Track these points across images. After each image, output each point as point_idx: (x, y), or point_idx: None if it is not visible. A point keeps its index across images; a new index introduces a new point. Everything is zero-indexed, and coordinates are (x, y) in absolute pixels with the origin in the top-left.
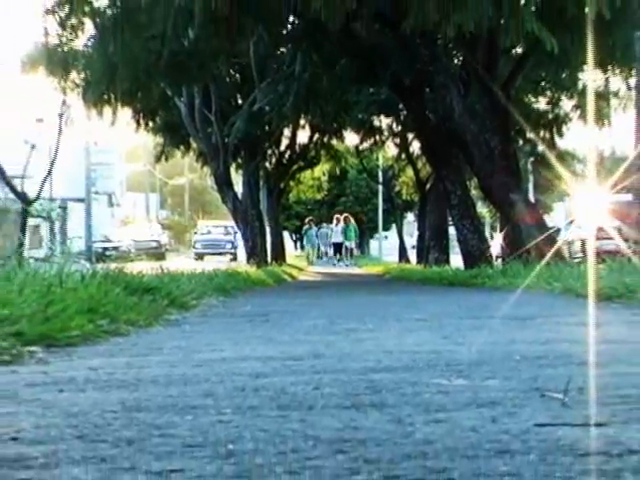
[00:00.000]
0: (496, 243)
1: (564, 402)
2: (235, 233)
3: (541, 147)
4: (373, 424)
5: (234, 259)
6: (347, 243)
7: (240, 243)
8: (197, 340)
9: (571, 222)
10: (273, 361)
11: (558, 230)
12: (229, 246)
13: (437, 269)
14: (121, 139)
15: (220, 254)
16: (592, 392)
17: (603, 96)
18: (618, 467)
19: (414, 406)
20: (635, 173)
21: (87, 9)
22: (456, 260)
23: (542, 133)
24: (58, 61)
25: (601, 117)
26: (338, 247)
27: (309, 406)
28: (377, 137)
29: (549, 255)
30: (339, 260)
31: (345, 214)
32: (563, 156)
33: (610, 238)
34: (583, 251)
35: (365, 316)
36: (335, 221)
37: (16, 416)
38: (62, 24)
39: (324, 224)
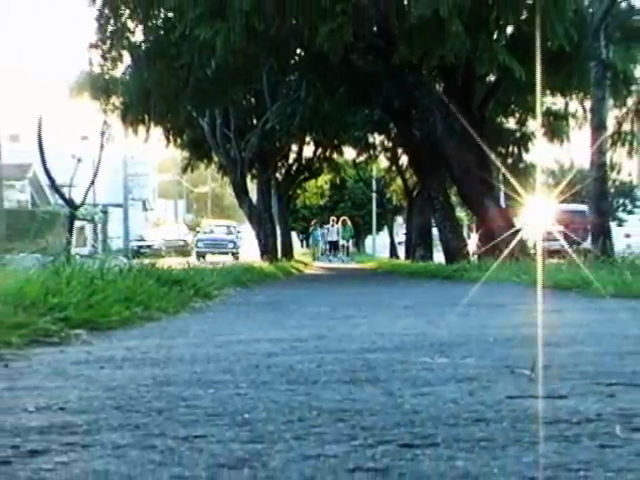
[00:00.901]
0: (472, 242)
1: (531, 377)
2: (238, 232)
3: (510, 160)
4: (368, 397)
5: (236, 259)
6: (343, 241)
7: (242, 242)
8: (218, 325)
9: (525, 225)
10: (282, 342)
11: (518, 231)
12: (231, 245)
13: (422, 264)
14: (153, 153)
15: (222, 253)
16: (555, 369)
17: (563, 116)
18: (577, 433)
19: (403, 381)
20: (583, 183)
21: (125, 43)
22: (438, 256)
23: (511, 148)
24: (100, 87)
25: (561, 135)
26: (333, 245)
27: (313, 381)
28: (371, 152)
29: (516, 252)
30: (334, 256)
31: (343, 217)
32: (528, 168)
33: (556, 240)
34: (534, 249)
35: (361, 304)
36: (331, 222)
37: (63, 389)
38: (104, 56)
39: (326, 226)
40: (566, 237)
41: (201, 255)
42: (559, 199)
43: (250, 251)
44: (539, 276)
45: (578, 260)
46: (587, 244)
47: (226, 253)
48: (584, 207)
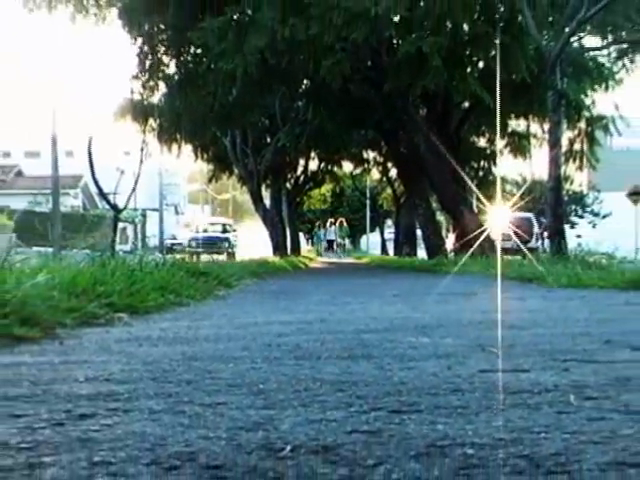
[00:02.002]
0: (450, 241)
1: (499, 355)
2: (234, 231)
3: (481, 173)
4: (363, 370)
5: (232, 257)
6: (339, 240)
7: (238, 241)
8: (237, 310)
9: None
10: (291, 325)
11: (486, 232)
12: (226, 244)
13: (408, 259)
14: (184, 166)
15: (217, 252)
16: (518, 347)
17: (526, 136)
18: (538, 401)
19: (392, 357)
20: (541, 192)
21: (160, 75)
22: (421, 253)
23: (482, 163)
24: (140, 111)
25: (524, 151)
26: (330, 243)
27: (317, 357)
28: (365, 165)
29: (486, 249)
30: (332, 252)
31: (341, 219)
32: (496, 180)
33: (508, 240)
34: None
35: (356, 293)
36: (329, 224)
37: (108, 363)
38: (143, 85)
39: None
40: (517, 237)
41: (194, 255)
42: (513, 207)
43: (251, 249)
44: (498, 269)
45: (530, 256)
46: (532, 244)
47: (221, 252)
48: (530, 215)
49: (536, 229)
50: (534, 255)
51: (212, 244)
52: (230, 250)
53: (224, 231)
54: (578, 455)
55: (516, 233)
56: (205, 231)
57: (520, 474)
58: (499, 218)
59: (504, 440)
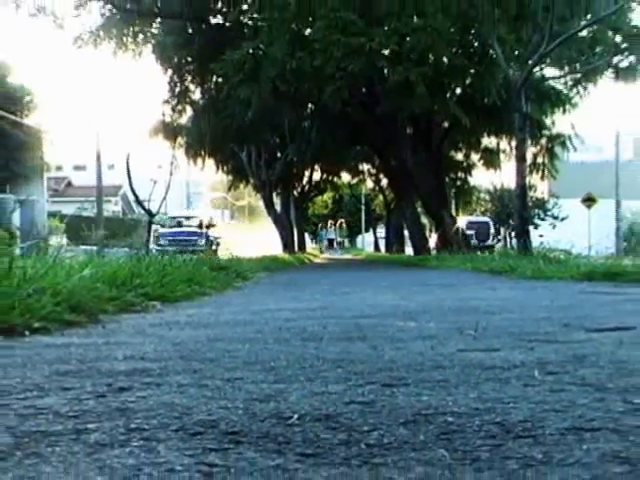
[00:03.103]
0: (432, 240)
1: (474, 336)
2: (212, 226)
3: (459, 183)
4: (359, 350)
5: (214, 254)
6: (339, 239)
7: (221, 238)
8: (252, 298)
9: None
10: (298, 311)
11: (464, 232)
12: (201, 242)
13: (397, 256)
14: (207, 177)
15: (190, 252)
16: (491, 330)
17: (496, 152)
18: (508, 376)
19: (384, 339)
20: (509, 199)
21: (187, 100)
22: (408, 250)
23: (460, 174)
24: (170, 131)
25: (495, 164)
26: (331, 241)
27: (319, 338)
28: (361, 176)
29: (462, 247)
30: (332, 249)
31: (340, 220)
32: (472, 189)
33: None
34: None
35: (353, 284)
36: (330, 225)
37: (143, 344)
38: (173, 109)
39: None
40: (477, 237)
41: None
42: (475, 212)
43: (265, 247)
44: (479, 264)
45: (493, 253)
46: (489, 242)
47: (193, 252)
48: (487, 219)
49: (492, 230)
50: (501, 251)
51: (184, 242)
52: (207, 249)
53: (200, 227)
54: (542, 422)
55: (476, 233)
56: (179, 225)
57: (493, 438)
58: (465, 221)
59: (479, 409)
